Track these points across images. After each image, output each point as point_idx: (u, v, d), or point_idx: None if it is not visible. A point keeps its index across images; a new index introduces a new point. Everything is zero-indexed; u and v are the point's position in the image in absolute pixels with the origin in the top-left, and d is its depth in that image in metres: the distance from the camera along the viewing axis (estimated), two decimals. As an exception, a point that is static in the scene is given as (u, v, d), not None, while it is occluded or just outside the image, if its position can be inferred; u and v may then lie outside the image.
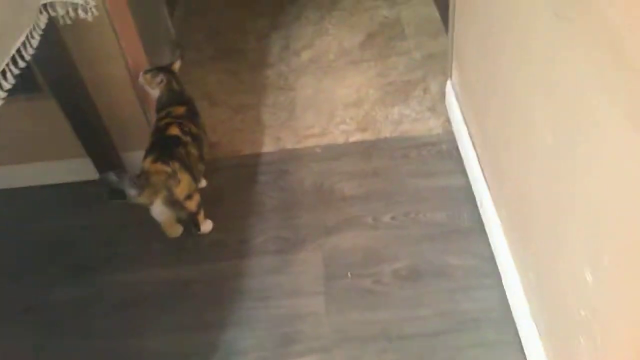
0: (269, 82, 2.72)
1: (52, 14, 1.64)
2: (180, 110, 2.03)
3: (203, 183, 2.18)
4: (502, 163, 1.68)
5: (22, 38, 1.46)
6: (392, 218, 1.98)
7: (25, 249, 2.11)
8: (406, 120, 2.38)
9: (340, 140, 2.35)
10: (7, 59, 1.38)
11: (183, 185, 1.84)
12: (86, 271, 1.98)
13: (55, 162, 2.26)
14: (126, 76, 2.03)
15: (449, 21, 2.17)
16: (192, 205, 1.91)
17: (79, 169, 2.22)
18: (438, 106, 2.40)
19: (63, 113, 1.95)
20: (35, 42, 1.51)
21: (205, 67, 2.88)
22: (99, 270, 1.98)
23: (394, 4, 3.10)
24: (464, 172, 2.09)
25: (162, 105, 2.08)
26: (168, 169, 1.81)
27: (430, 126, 2.33)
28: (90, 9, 1.72)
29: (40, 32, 1.55)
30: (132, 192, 1.72)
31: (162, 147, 1.88)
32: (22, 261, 2.07)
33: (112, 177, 1.71)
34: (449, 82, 2.30)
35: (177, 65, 2.11)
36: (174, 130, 1.92)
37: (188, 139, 1.94)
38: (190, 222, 1.99)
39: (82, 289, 1.93)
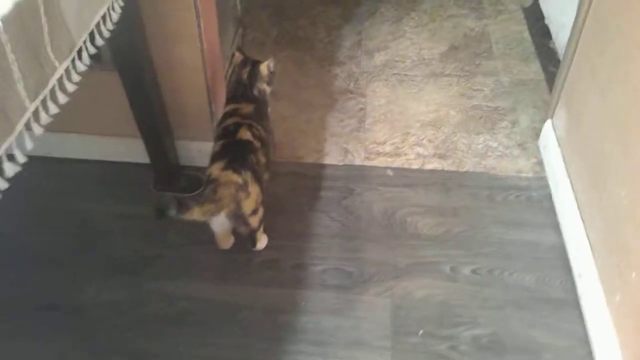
0: (337, 82, 2.45)
1: None
2: (249, 108, 1.77)
3: (267, 176, 1.93)
4: (626, 239, 1.42)
5: (103, 10, 1.20)
6: (474, 272, 1.73)
7: (57, 232, 1.87)
8: (492, 154, 2.12)
9: (415, 164, 2.09)
10: (85, 35, 1.11)
11: (252, 199, 1.60)
12: (122, 273, 1.75)
13: (106, 137, 2.01)
14: (198, 60, 1.77)
15: (564, 55, 1.90)
16: (255, 221, 1.66)
17: (130, 149, 1.97)
18: (529, 144, 2.14)
19: (124, 89, 1.69)
20: (115, 16, 1.25)
21: (268, 52, 2.61)
22: (136, 274, 1.74)
23: (481, 16, 2.82)
24: (556, 229, 1.84)
25: (227, 96, 1.83)
26: (239, 180, 1.56)
27: (520, 167, 2.07)
28: None
29: (122, 4, 1.29)
30: (172, 210, 1.48)
31: (234, 152, 1.62)
32: (51, 247, 1.82)
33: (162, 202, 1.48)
34: (548, 122, 2.04)
35: (264, 66, 1.83)
36: (246, 134, 1.67)
37: (258, 144, 1.69)
38: (246, 237, 1.75)
39: (115, 294, 1.70)
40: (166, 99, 1.81)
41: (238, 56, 1.86)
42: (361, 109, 2.32)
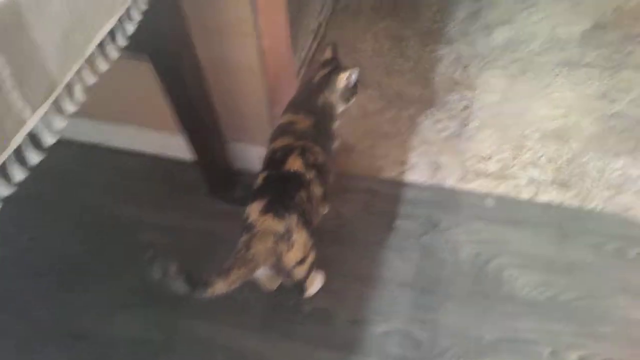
0: (440, 68, 1.99)
1: None
2: (306, 123, 1.41)
3: (325, 209, 1.60)
4: None
5: (111, 23, 0.88)
6: (582, 361, 1.31)
7: (93, 244, 1.68)
8: (631, 187, 1.61)
9: (526, 193, 1.63)
10: (79, 63, 0.81)
11: (296, 249, 1.28)
12: (157, 303, 1.52)
13: (151, 130, 1.77)
14: (255, 61, 1.43)
15: None
16: (302, 271, 1.34)
17: (175, 144, 1.70)
18: (687, 178, 1.58)
19: (162, 87, 1.39)
20: (131, 28, 0.93)
21: (361, 21, 2.18)
22: (172, 307, 1.51)
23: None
24: None
25: (291, 100, 1.50)
26: (280, 228, 1.24)
27: (668, 211, 1.54)
28: None
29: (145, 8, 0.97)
30: (181, 287, 1.16)
31: (278, 189, 1.30)
32: (85, 262, 1.64)
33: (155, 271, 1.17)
34: None
35: (343, 76, 1.45)
36: (295, 163, 1.32)
37: (312, 174, 1.34)
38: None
39: (147, 330, 1.49)
40: (219, 98, 1.51)
41: (328, 53, 1.52)
42: (466, 107, 1.86)
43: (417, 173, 1.72)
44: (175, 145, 1.69)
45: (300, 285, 1.41)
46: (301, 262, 1.31)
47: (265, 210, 1.25)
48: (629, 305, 1.38)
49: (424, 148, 1.77)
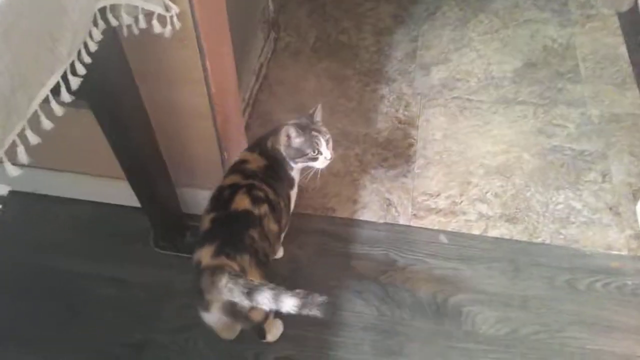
0: (383, 106, 2.02)
1: (113, 23, 0.99)
2: (259, 163, 1.38)
3: (279, 253, 1.55)
4: None
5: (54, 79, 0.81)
6: (548, 400, 1.31)
7: (34, 300, 1.55)
8: (575, 220, 1.67)
9: (476, 229, 1.66)
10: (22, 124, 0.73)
11: None
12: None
13: (93, 177, 1.68)
14: (205, 106, 1.38)
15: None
16: (259, 314, 1.27)
17: (120, 191, 1.60)
18: (623, 208, 1.67)
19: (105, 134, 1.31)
20: (75, 83, 0.86)
21: (303, 62, 2.19)
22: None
23: (566, 22, 2.30)
24: (660, 340, 1.39)
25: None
26: (234, 267, 1.18)
27: (610, 241, 1.61)
28: (172, 19, 1.06)
29: (89, 61, 0.90)
30: None
31: (226, 231, 1.24)
32: (25, 320, 1.51)
33: None
34: (655, 185, 1.56)
35: (283, 131, 1.38)
36: (243, 202, 1.27)
37: (264, 209, 1.29)
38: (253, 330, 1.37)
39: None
40: (168, 144, 1.44)
41: (314, 110, 1.46)
42: (410, 145, 1.88)
43: (370, 212, 1.71)
44: (120, 192, 1.60)
45: (260, 329, 1.36)
46: None
47: (217, 254, 1.19)
48: (584, 337, 1.42)
49: (374, 186, 1.77)
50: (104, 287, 1.56)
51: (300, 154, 1.37)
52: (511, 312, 1.47)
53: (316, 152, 1.37)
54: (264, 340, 1.42)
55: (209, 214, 1.28)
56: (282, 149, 1.38)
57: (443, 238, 1.64)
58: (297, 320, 1.42)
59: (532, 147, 1.86)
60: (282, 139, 1.36)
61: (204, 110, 1.39)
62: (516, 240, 1.62)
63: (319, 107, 1.43)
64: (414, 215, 1.70)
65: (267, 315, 1.31)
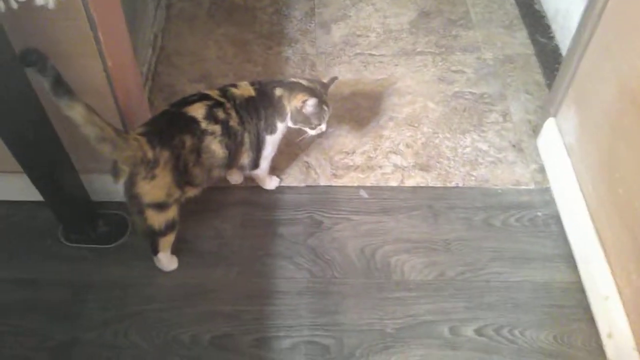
0: (289, 68, 1.99)
1: None
2: (246, 93, 1.41)
3: (270, 185, 1.64)
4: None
5: None
6: (478, 332, 1.40)
7: None
8: (483, 160, 1.75)
9: (393, 181, 1.70)
10: None
11: (155, 186, 1.27)
12: None
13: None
14: (102, 82, 1.29)
15: (575, 36, 1.50)
16: (155, 219, 1.32)
17: (16, 185, 1.48)
18: (525, 144, 1.77)
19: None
20: None
21: (200, 28, 2.10)
22: None
23: (453, -31, 2.34)
24: (570, 262, 1.51)
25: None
26: (148, 154, 1.23)
27: (518, 176, 1.71)
28: None
29: None
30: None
31: (163, 123, 1.31)
32: None
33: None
34: (550, 122, 1.66)
35: (300, 97, 1.43)
36: (196, 111, 1.32)
37: (214, 128, 1.32)
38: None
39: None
40: (66, 128, 1.32)
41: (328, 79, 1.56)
42: (321, 105, 1.87)
43: (290, 176, 1.70)
44: (16, 187, 1.47)
45: (153, 238, 1.38)
46: (158, 207, 1.30)
47: (143, 134, 1.26)
48: (506, 271, 1.51)
49: (290, 149, 1.75)
50: (10, 292, 1.44)
51: (304, 120, 1.43)
52: (436, 257, 1.53)
53: (318, 123, 1.44)
54: (154, 257, 1.43)
55: (166, 106, 1.36)
56: (291, 108, 1.40)
57: (363, 193, 1.66)
58: (228, 297, 1.41)
59: (435, 95, 1.91)
60: (297, 103, 1.39)
61: (102, 86, 1.30)
62: (432, 187, 1.68)
63: (336, 80, 1.53)
64: (333, 174, 1.71)
65: (165, 231, 1.35)
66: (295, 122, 1.46)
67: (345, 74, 1.98)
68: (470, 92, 1.92)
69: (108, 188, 1.52)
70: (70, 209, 1.47)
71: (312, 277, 1.49)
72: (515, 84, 1.95)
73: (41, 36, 1.16)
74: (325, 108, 1.45)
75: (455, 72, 1.99)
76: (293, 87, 1.44)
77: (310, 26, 2.13)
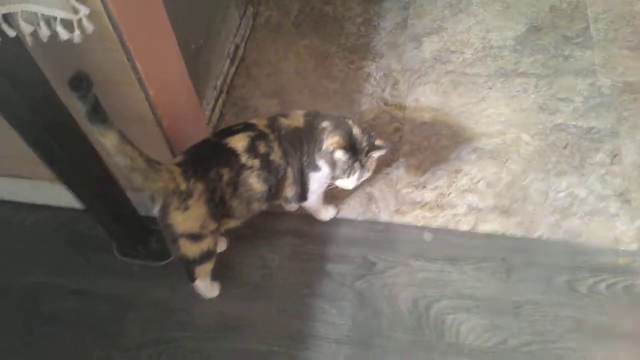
0: (369, 86, 1.84)
1: (10, 34, 0.87)
2: (295, 123, 1.31)
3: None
4: None
5: None
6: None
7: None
8: (578, 210, 1.48)
9: (465, 224, 1.49)
10: None
11: (188, 217, 1.20)
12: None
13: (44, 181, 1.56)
14: (145, 110, 1.24)
15: None
16: (190, 250, 1.25)
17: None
18: (634, 195, 1.48)
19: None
20: None
21: (283, 39, 2.02)
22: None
23: (576, -23, 2.04)
24: (670, 350, 1.22)
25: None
26: (182, 185, 1.17)
27: (617, 233, 1.43)
28: (80, 22, 0.91)
29: None
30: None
31: (202, 154, 1.24)
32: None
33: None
34: (669, 170, 1.36)
35: (332, 141, 1.28)
36: (237, 142, 1.24)
37: (254, 163, 1.24)
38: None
39: None
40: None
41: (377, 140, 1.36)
42: (397, 130, 1.71)
43: (349, 207, 1.57)
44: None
45: (189, 268, 1.31)
46: (192, 238, 1.23)
47: (179, 164, 1.20)
48: (583, 347, 1.26)
49: (354, 179, 1.60)
50: (66, 301, 1.47)
51: (330, 164, 1.29)
52: (501, 320, 1.32)
53: (340, 175, 1.29)
54: (192, 284, 1.36)
55: (212, 135, 1.30)
56: (326, 145, 1.27)
57: (427, 236, 1.48)
58: (265, 335, 1.32)
59: (531, 127, 1.67)
60: (329, 145, 1.26)
61: (144, 113, 1.25)
62: (510, 236, 1.46)
63: (386, 150, 1.32)
64: (397, 210, 1.54)
65: (200, 260, 1.28)
66: (340, 172, 1.30)
67: (430, 95, 1.79)
68: (575, 126, 1.65)
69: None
70: (118, 225, 1.46)
71: (355, 325, 1.35)
72: (632, 119, 1.64)
73: (82, 64, 1.13)
74: (357, 166, 1.28)
75: (560, 100, 1.72)
76: (338, 126, 1.29)
77: (399, 39, 1.96)
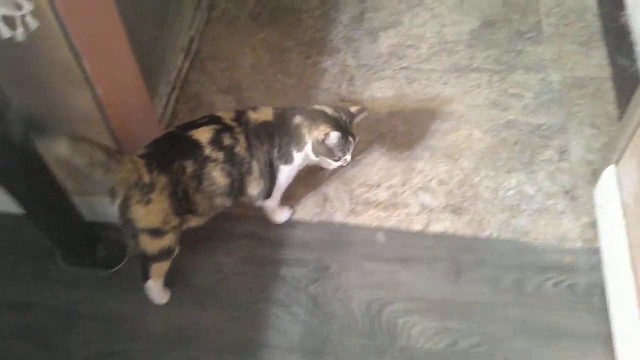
0: (325, 82, 1.83)
1: None
2: (263, 117, 1.32)
3: (279, 218, 1.53)
4: None
5: None
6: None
7: None
8: (527, 207, 1.52)
9: (418, 224, 1.51)
10: None
11: (150, 211, 1.20)
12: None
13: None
14: (91, 110, 1.22)
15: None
16: (149, 245, 1.24)
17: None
18: (580, 191, 1.52)
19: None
20: None
21: (240, 32, 1.99)
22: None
23: (531, -31, 2.04)
24: (609, 344, 1.28)
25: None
26: (145, 177, 1.17)
27: (563, 230, 1.46)
28: (24, 18, 0.88)
29: None
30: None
31: (165, 146, 1.24)
32: None
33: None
34: (611, 170, 1.40)
35: (322, 129, 1.31)
36: (202, 135, 1.24)
37: (218, 155, 1.24)
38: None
39: None
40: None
41: (355, 107, 1.42)
42: (353, 128, 1.70)
43: (304, 208, 1.57)
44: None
45: (145, 263, 1.30)
46: (152, 233, 1.22)
47: (142, 156, 1.21)
48: (530, 349, 1.30)
49: (310, 178, 1.61)
50: (6, 314, 1.43)
51: (326, 152, 1.33)
52: (451, 322, 1.35)
53: (342, 155, 1.33)
54: (144, 284, 1.35)
55: (176, 127, 1.30)
56: (311, 138, 1.30)
57: (381, 236, 1.50)
58: (216, 344, 1.32)
59: (484, 123, 1.68)
60: (318, 134, 1.28)
61: (92, 114, 1.22)
62: (460, 236, 1.48)
63: (364, 113, 1.40)
64: (351, 210, 1.55)
65: (158, 258, 1.28)
66: (316, 154, 1.34)
67: (385, 91, 1.79)
68: (525, 123, 1.68)
69: (110, 210, 1.46)
70: (62, 231, 1.43)
71: (307, 333, 1.37)
72: (581, 115, 1.67)
73: (25, 62, 1.10)
74: (351, 139, 1.33)
75: (512, 95, 1.74)
76: (315, 117, 1.32)
77: (356, 33, 1.95)
